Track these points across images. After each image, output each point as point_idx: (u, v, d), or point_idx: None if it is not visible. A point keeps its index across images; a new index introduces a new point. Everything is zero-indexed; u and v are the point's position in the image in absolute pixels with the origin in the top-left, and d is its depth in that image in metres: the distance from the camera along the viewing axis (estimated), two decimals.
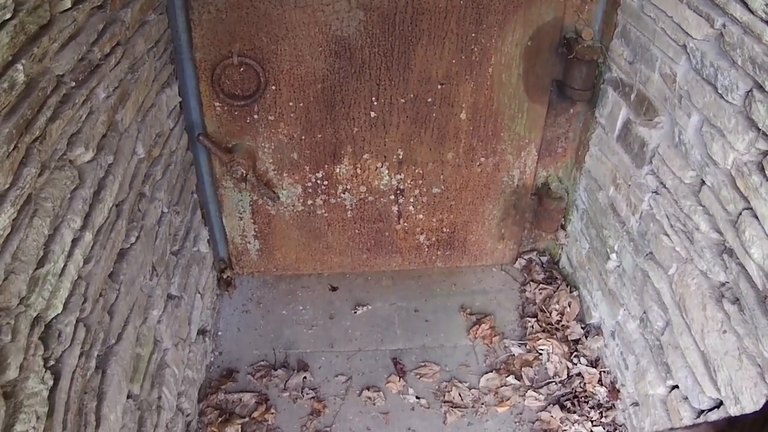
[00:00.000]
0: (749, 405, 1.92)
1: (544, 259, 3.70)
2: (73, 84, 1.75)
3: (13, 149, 1.41)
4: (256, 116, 2.92)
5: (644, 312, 2.64)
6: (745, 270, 1.95)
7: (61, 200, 1.65)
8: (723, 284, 2.11)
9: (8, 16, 1.39)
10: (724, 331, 2.04)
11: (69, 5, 1.70)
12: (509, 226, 3.52)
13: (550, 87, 3.05)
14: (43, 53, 1.57)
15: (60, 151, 1.68)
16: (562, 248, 3.60)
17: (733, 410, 2.00)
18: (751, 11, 1.89)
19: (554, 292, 3.45)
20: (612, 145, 2.89)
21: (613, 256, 2.93)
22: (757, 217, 1.89)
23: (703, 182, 2.19)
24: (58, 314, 1.61)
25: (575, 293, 3.39)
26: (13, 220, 1.40)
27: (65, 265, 1.66)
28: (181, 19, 2.69)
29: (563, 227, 3.51)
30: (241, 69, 2.78)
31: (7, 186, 1.39)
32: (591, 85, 2.97)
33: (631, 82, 2.68)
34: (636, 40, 2.62)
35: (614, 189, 2.89)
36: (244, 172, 2.93)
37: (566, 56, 2.92)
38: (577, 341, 3.20)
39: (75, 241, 1.72)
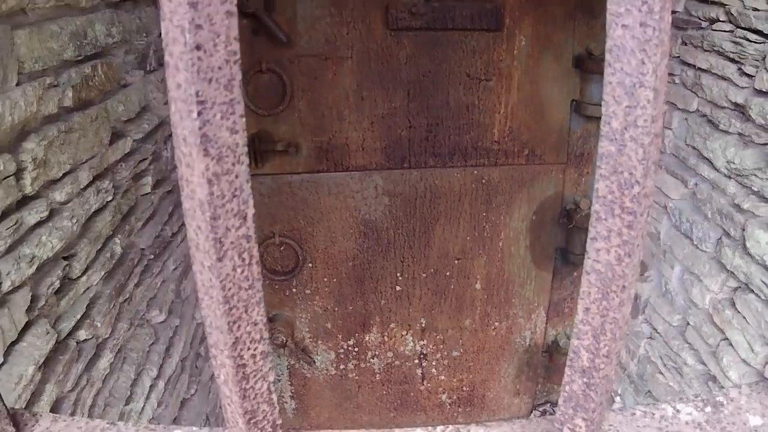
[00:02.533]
0: None
1: None
2: (152, 256, 1.97)
3: (112, 307, 1.63)
4: (294, 290, 3.05)
5: None
6: None
7: (142, 352, 1.85)
8: None
9: (110, 198, 1.62)
10: None
11: (149, 189, 1.93)
12: (524, 382, 3.55)
13: (554, 254, 3.20)
14: (131, 230, 1.79)
15: (141, 311, 1.89)
16: None
17: None
18: (716, 169, 2.13)
19: None
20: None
21: (617, 398, 2.99)
22: (732, 345, 2.06)
23: (687, 323, 2.34)
24: None
25: None
26: (111, 364, 1.62)
27: (144, 406, 1.83)
28: None
29: None
30: (282, 248, 2.94)
31: (107, 336, 1.61)
32: None
33: None
34: None
35: None
36: (284, 339, 3.03)
37: (567, 226, 3.10)
38: None
39: (151, 387, 1.90)
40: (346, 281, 3.04)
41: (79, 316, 1.44)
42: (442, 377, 3.43)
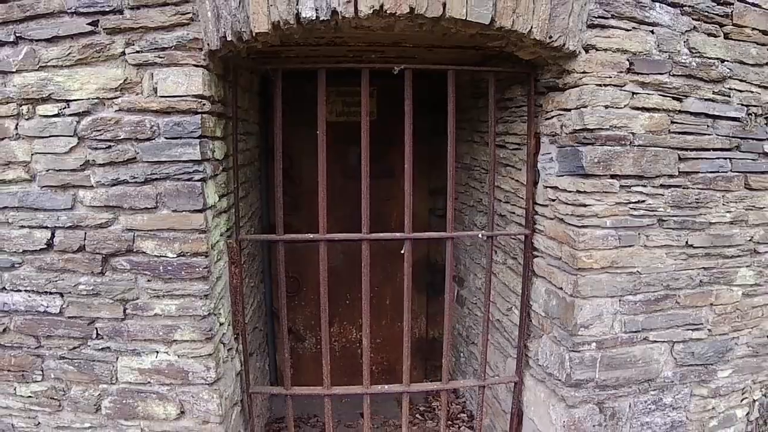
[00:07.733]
0: None
1: None
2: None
3: None
4: (296, 302, 5.34)
5: None
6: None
7: None
8: None
9: None
10: None
11: None
12: (418, 360, 5.68)
13: (426, 287, 5.62)
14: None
15: None
16: None
17: None
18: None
19: None
20: (455, 308, 5.50)
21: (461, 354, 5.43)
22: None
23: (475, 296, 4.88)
24: None
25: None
26: None
27: None
28: (267, 278, 5.42)
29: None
30: (292, 279, 5.21)
31: None
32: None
33: (460, 275, 5.43)
34: (462, 253, 5.42)
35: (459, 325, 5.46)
36: (291, 326, 5.45)
37: (432, 271, 5.62)
38: None
39: None
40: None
41: None
42: (372, 355, 5.80)
